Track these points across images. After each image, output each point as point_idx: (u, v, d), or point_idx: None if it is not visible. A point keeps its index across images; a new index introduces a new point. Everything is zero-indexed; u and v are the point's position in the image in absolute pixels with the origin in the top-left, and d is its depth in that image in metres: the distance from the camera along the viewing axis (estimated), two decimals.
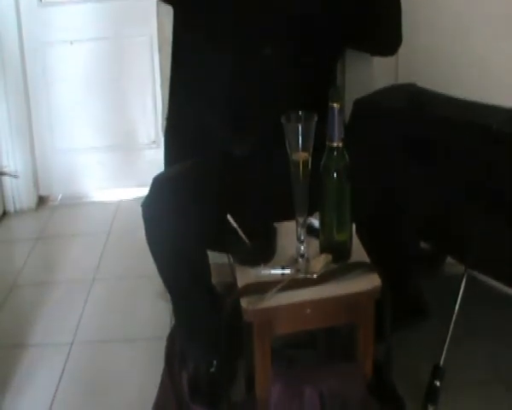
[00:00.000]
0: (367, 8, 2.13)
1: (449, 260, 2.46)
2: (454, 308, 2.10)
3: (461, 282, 2.10)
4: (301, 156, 1.65)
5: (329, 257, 1.76)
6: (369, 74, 2.53)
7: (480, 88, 2.41)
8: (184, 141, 2.20)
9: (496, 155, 1.79)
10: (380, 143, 1.90)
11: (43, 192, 3.72)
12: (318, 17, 2.14)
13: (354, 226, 1.80)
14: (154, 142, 3.64)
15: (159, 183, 1.94)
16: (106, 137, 3.66)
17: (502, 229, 1.85)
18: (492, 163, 1.80)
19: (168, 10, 2.25)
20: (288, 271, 1.75)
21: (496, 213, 1.84)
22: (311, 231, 1.80)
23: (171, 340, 2.28)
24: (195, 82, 2.17)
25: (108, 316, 2.67)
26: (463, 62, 2.55)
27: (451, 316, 2.10)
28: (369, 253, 1.80)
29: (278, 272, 1.75)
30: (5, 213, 3.60)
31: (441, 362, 2.08)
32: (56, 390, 2.30)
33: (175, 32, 2.23)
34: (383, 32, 2.19)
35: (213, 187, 1.92)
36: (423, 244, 2.22)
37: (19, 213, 3.62)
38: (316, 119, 1.63)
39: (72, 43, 3.51)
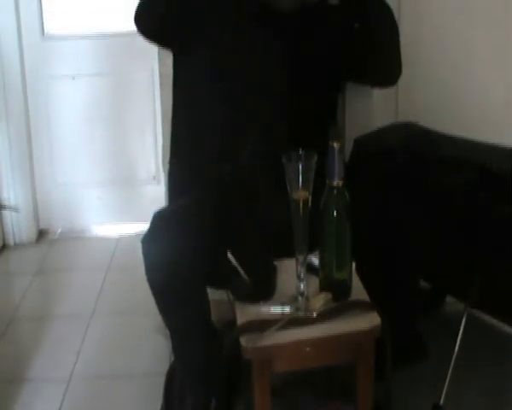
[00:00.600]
0: (366, 40, 2.15)
1: (449, 298, 2.46)
2: (454, 347, 2.10)
3: (461, 320, 2.09)
4: (301, 195, 1.66)
5: (329, 295, 1.75)
6: (369, 113, 2.55)
7: (480, 126, 2.43)
8: (185, 180, 2.21)
9: (495, 195, 1.79)
10: (380, 182, 1.91)
11: (42, 226, 3.72)
12: (318, 56, 2.17)
13: (354, 265, 1.81)
14: (154, 177, 3.65)
15: (159, 219, 1.94)
16: (106, 172, 3.67)
17: (502, 268, 1.85)
18: (492, 203, 1.80)
19: None
20: (287, 309, 1.74)
21: (496, 252, 1.84)
22: (311, 269, 1.80)
23: (170, 376, 2.27)
24: (194, 126, 2.20)
25: (107, 351, 2.65)
26: (463, 101, 2.57)
27: (451, 355, 2.09)
28: (368, 291, 1.80)
29: (278, 309, 1.75)
30: (5, 245, 3.59)
31: (441, 401, 2.07)
32: None
33: (174, 73, 2.26)
34: (382, 63, 2.22)
35: (214, 224, 1.92)
36: (423, 283, 2.22)
37: (18, 246, 3.61)
38: (316, 158, 1.64)
39: (74, 77, 3.53)
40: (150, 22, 2.17)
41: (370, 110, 2.56)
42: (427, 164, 1.87)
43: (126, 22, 3.16)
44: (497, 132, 2.10)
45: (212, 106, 2.16)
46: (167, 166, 2.33)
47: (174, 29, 2.16)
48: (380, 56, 2.20)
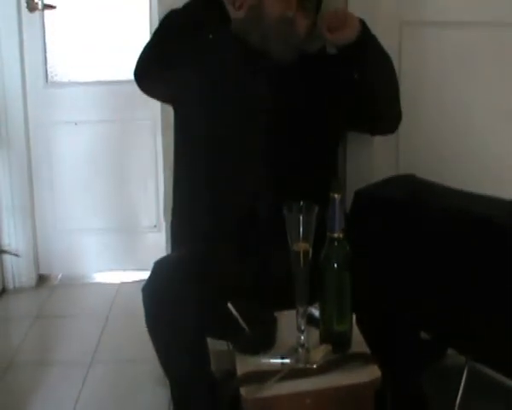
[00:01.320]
0: (365, 89, 2.18)
1: (450, 350, 2.45)
2: (456, 400, 2.08)
3: (462, 374, 2.08)
4: (302, 247, 1.66)
5: (329, 347, 1.75)
6: (370, 164, 2.56)
7: (480, 180, 2.44)
8: (186, 230, 2.22)
9: (496, 247, 1.79)
10: (380, 235, 1.91)
11: (43, 271, 3.72)
12: (317, 106, 2.19)
13: (354, 317, 1.80)
14: (155, 226, 3.66)
15: (160, 268, 1.94)
16: (107, 219, 3.69)
17: (504, 321, 1.84)
18: (493, 256, 1.80)
19: None
20: (287, 360, 1.73)
21: (498, 305, 1.83)
22: (311, 320, 1.80)
23: None
24: (195, 178, 2.22)
25: (106, 400, 2.63)
26: (463, 155, 2.59)
27: (453, 408, 2.07)
28: (369, 344, 1.79)
29: (278, 361, 1.74)
30: (4, 289, 3.59)
31: None
32: None
33: (176, 127, 2.28)
34: (382, 110, 2.24)
35: (214, 274, 1.92)
36: (424, 335, 2.21)
37: (18, 290, 3.61)
38: (317, 210, 1.64)
39: (76, 124, 3.57)
40: (148, 82, 2.21)
41: (371, 162, 2.57)
42: (429, 217, 1.87)
43: (128, 70, 3.23)
44: (497, 186, 2.11)
45: (211, 158, 2.18)
46: (168, 214, 2.34)
47: (171, 90, 2.21)
48: (379, 104, 2.22)
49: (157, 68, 2.15)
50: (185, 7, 2.18)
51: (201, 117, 2.19)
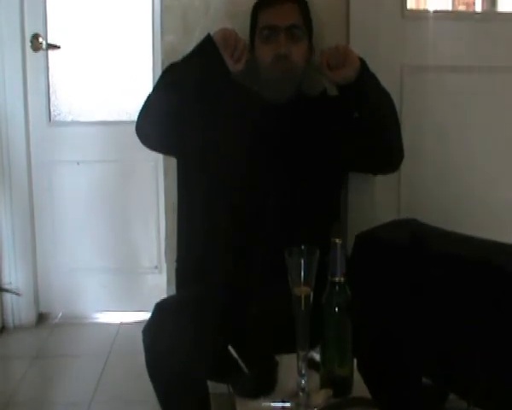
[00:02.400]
0: (366, 129, 2.19)
1: (451, 395, 2.43)
2: None
3: None
4: (303, 291, 1.66)
5: (330, 392, 1.74)
6: (371, 207, 2.57)
7: (481, 222, 2.45)
8: (188, 271, 2.22)
9: (497, 292, 1.79)
10: (381, 279, 1.91)
11: (43, 309, 3.70)
12: (318, 148, 2.21)
13: (355, 361, 1.80)
14: (156, 267, 3.66)
15: (161, 310, 1.94)
16: (108, 259, 3.68)
17: (505, 366, 1.84)
18: (493, 299, 1.80)
19: None
20: (288, 404, 1.73)
21: (499, 348, 1.83)
22: (312, 364, 1.79)
23: None
24: (198, 221, 2.23)
25: None
26: (464, 196, 2.60)
27: None
28: (370, 388, 1.78)
29: (278, 404, 1.73)
30: (4, 327, 3.57)
31: None
32: None
33: (178, 172, 2.31)
34: (384, 149, 2.25)
35: (215, 317, 1.92)
36: (425, 379, 2.20)
37: (18, 328, 3.59)
38: (318, 254, 1.65)
39: (78, 163, 3.58)
40: (149, 138, 2.25)
41: (373, 204, 2.58)
42: (430, 261, 1.88)
43: (131, 111, 3.26)
44: (499, 229, 2.11)
45: (212, 203, 2.20)
46: (170, 256, 2.35)
47: (173, 144, 2.25)
48: (381, 142, 2.23)
49: (158, 126, 2.18)
50: (185, 59, 2.22)
51: (204, 166, 2.21)
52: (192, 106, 2.15)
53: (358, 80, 2.20)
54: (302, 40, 2.23)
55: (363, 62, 2.23)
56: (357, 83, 2.20)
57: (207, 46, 2.20)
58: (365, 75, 2.22)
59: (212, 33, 2.22)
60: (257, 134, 2.18)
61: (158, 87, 2.23)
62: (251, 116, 2.20)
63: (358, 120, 2.26)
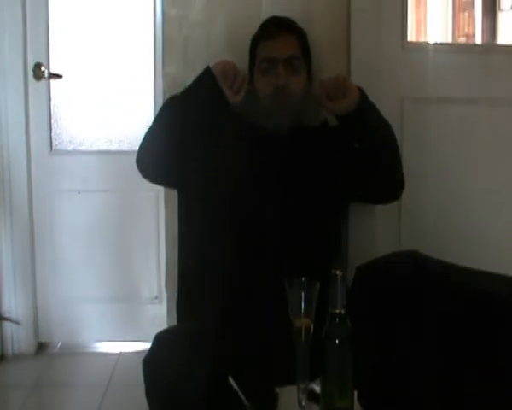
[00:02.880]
0: (366, 159, 2.20)
1: None
2: None
3: None
4: (303, 323, 1.66)
5: None
6: (372, 239, 2.57)
7: (482, 255, 2.45)
8: (188, 303, 2.22)
9: (497, 325, 1.79)
10: (381, 311, 1.91)
11: (42, 339, 3.68)
12: (318, 178, 2.21)
13: (356, 393, 1.79)
14: (156, 297, 3.64)
15: (161, 341, 1.94)
16: (108, 289, 3.67)
17: (502, 399, 1.83)
18: (493, 333, 1.80)
19: None
20: None
21: (496, 382, 1.82)
22: (312, 396, 1.78)
23: None
24: (198, 253, 2.23)
25: None
26: (465, 231, 2.60)
27: None
28: None
29: None
30: (3, 356, 3.55)
31: None
32: None
33: (179, 203, 2.31)
34: (384, 179, 2.25)
35: (216, 349, 1.91)
36: None
37: (17, 357, 3.57)
38: (318, 286, 1.65)
39: (79, 192, 3.58)
40: (149, 172, 2.27)
41: (374, 235, 2.58)
42: (430, 293, 1.88)
43: (132, 141, 3.27)
44: (500, 262, 2.11)
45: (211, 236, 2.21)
46: (170, 286, 2.34)
47: (174, 178, 2.28)
48: (381, 171, 2.24)
49: (158, 159, 2.19)
50: (184, 92, 2.23)
51: (204, 197, 2.22)
52: (192, 139, 2.16)
53: (358, 110, 2.22)
54: (301, 71, 2.25)
55: (362, 92, 2.24)
56: (356, 112, 2.21)
57: (207, 78, 2.22)
58: (364, 104, 2.23)
59: (211, 66, 2.23)
60: (257, 165, 2.19)
61: (158, 121, 2.25)
62: (251, 147, 2.21)
63: (359, 150, 2.27)
